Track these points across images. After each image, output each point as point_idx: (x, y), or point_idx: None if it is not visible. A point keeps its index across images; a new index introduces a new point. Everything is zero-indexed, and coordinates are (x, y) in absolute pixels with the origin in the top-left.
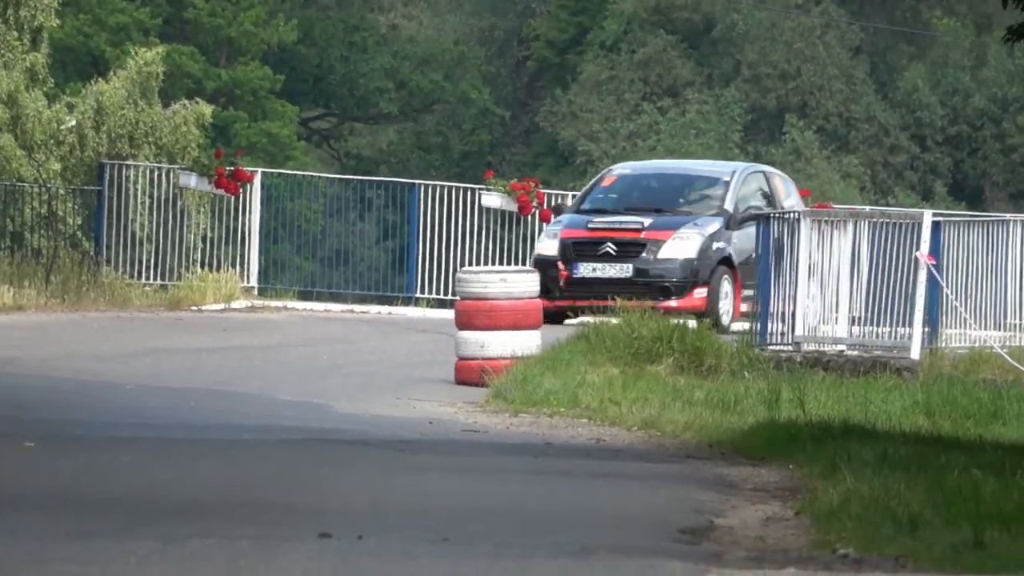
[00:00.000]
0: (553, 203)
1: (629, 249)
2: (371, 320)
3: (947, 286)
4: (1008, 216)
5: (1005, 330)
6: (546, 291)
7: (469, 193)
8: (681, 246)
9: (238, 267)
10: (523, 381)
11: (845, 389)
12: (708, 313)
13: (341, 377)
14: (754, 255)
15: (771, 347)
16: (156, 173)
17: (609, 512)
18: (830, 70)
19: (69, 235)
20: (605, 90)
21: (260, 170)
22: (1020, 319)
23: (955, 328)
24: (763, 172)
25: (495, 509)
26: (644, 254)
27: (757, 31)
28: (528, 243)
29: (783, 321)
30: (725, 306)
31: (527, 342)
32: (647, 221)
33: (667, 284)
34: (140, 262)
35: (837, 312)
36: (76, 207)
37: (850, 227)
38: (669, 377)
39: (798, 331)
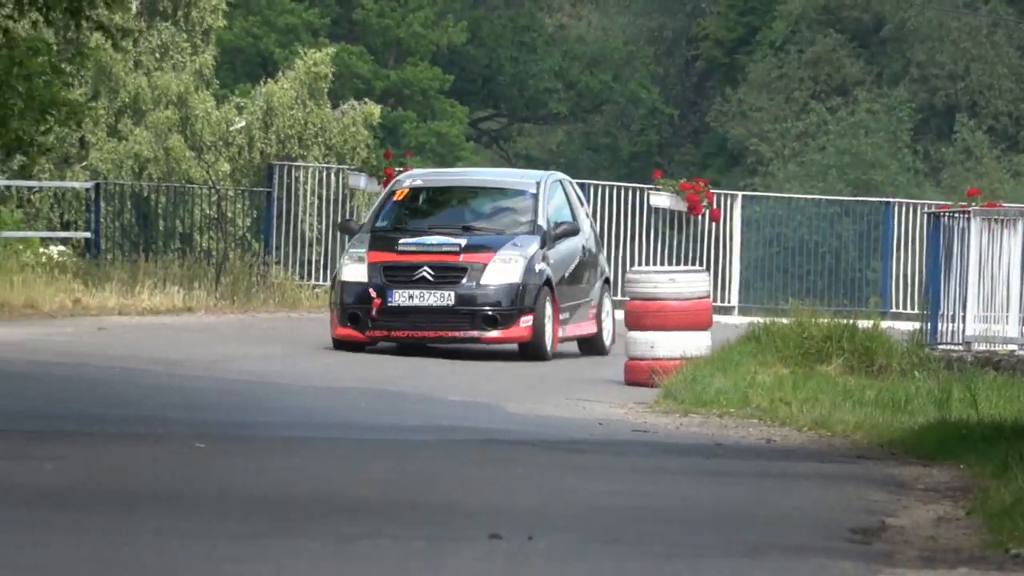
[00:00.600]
0: (343, 219)
1: (448, 274)
2: None
3: None
4: None
5: None
6: (355, 321)
7: (638, 193)
8: (504, 270)
9: None
10: (693, 381)
11: (1016, 389)
12: (533, 343)
13: (510, 378)
14: (567, 274)
15: (941, 347)
16: (325, 174)
17: (780, 512)
18: (999, 69)
19: (239, 236)
20: (774, 89)
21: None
22: None
23: None
24: (561, 180)
25: (665, 510)
26: (465, 280)
27: (926, 30)
28: (698, 243)
29: (953, 321)
30: (548, 332)
31: (697, 342)
32: (463, 242)
33: (492, 313)
34: (310, 263)
35: (1008, 312)
36: (245, 208)
37: (1020, 226)
38: (839, 377)
39: (969, 331)
